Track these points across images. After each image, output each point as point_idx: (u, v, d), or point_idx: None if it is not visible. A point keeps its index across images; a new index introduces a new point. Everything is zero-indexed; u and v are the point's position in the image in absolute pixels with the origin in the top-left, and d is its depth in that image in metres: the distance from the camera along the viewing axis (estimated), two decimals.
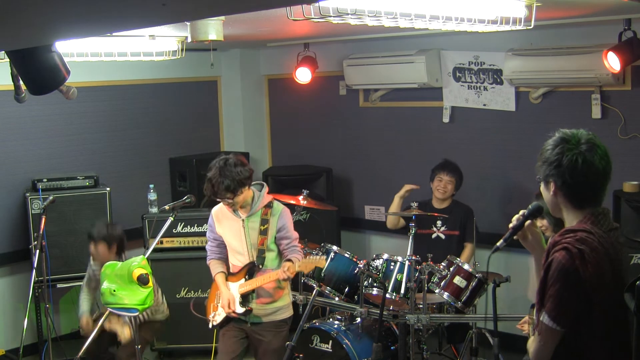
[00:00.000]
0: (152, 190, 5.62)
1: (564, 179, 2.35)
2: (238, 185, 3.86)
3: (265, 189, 4.14)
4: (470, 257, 5.09)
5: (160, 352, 5.62)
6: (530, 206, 2.54)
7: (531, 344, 2.47)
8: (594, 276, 2.27)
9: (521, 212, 2.56)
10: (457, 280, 4.32)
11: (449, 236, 5.24)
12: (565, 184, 2.35)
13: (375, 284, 4.44)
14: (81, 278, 5.42)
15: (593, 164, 2.33)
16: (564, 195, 2.39)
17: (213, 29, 3.54)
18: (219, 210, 4.17)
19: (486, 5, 3.09)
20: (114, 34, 3.93)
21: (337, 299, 4.56)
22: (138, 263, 3.63)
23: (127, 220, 5.69)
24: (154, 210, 5.52)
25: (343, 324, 4.51)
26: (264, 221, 4.01)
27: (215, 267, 4.20)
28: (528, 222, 2.54)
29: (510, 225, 2.56)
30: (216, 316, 4.16)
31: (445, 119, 5.84)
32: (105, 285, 3.61)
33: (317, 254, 4.59)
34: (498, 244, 2.55)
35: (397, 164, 6.22)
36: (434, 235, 5.26)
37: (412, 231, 4.65)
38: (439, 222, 5.25)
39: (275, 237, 4.04)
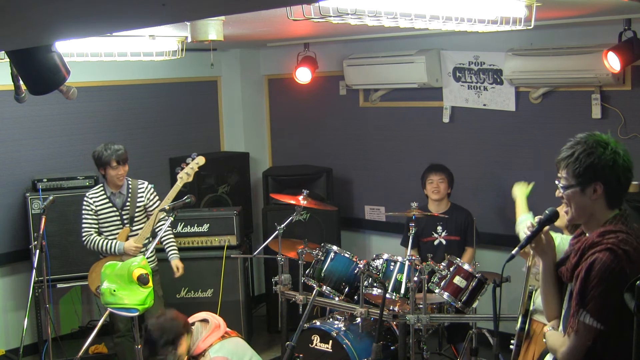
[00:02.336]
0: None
1: (618, 179, 2.39)
2: (167, 344, 3.77)
3: (207, 331, 3.89)
4: (471, 261, 5.08)
5: None
6: (547, 211, 2.54)
7: (556, 342, 2.47)
8: (638, 275, 2.28)
9: (536, 218, 2.57)
10: (457, 280, 4.32)
11: (449, 241, 5.24)
12: (618, 183, 2.39)
13: (375, 284, 4.43)
14: (81, 278, 5.45)
15: (632, 163, 2.43)
16: (606, 197, 2.41)
17: (213, 29, 3.54)
18: None
19: (486, 5, 3.09)
20: (114, 34, 3.93)
21: (337, 299, 4.56)
22: (138, 263, 3.62)
23: None
24: None
25: (343, 324, 4.51)
26: None
27: None
28: (547, 227, 2.55)
29: (525, 230, 2.57)
30: None
31: (445, 119, 5.84)
32: (105, 285, 3.60)
33: (317, 254, 4.61)
34: (514, 252, 2.54)
35: (397, 164, 6.22)
36: (436, 242, 5.25)
37: (412, 231, 4.65)
38: (439, 228, 5.26)
39: None
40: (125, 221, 5.01)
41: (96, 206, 4.97)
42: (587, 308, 2.32)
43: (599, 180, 2.38)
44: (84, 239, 4.97)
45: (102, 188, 5.02)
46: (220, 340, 3.93)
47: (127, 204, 5.02)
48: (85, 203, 4.99)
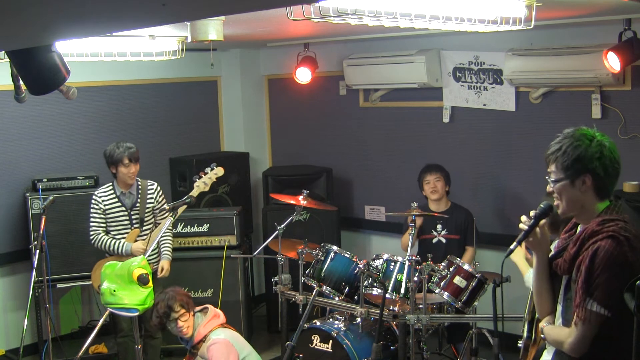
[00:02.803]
0: None
1: (606, 170, 2.43)
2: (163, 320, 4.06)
3: (206, 317, 4.11)
4: (471, 260, 5.08)
5: (160, 351, 5.61)
6: (541, 205, 2.57)
7: (560, 335, 2.49)
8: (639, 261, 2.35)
9: (531, 212, 2.59)
10: (457, 280, 4.32)
11: (449, 240, 5.24)
12: (606, 174, 2.44)
13: (375, 284, 4.43)
14: (81, 278, 5.45)
15: (618, 154, 2.47)
16: (595, 188, 2.45)
17: (213, 29, 3.54)
18: None
19: (486, 5, 3.09)
20: (114, 34, 3.93)
21: (337, 299, 4.56)
22: (138, 263, 3.63)
23: None
24: None
25: (343, 324, 4.51)
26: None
27: None
28: (543, 220, 2.58)
29: (521, 225, 2.59)
30: None
31: (445, 119, 5.84)
32: (105, 285, 3.61)
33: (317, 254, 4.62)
34: (512, 246, 2.58)
35: (397, 164, 6.22)
36: (435, 240, 5.25)
37: (413, 231, 4.65)
38: (439, 226, 5.26)
39: None
40: (135, 222, 4.99)
41: (105, 205, 4.96)
42: (594, 296, 2.36)
43: (587, 172, 2.43)
44: (91, 237, 4.95)
45: (111, 187, 5.01)
46: (220, 327, 4.01)
47: (137, 204, 5.01)
48: (93, 201, 4.97)
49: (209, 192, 6.22)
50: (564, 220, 2.67)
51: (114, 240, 4.92)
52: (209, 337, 4.00)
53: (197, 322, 4.07)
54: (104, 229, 4.97)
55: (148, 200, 5.05)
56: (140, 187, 5.05)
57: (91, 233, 4.96)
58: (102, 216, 4.96)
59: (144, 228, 5.02)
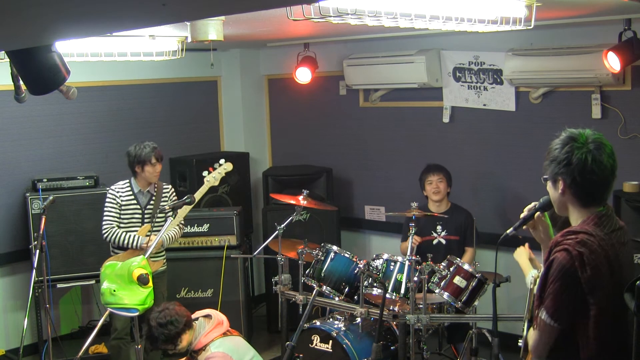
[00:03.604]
0: None
1: (573, 177, 2.38)
2: (167, 341, 3.89)
3: (209, 326, 3.98)
4: (471, 261, 5.08)
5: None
6: (542, 199, 2.59)
7: (531, 337, 2.52)
8: (592, 278, 2.31)
9: (533, 203, 2.63)
10: (457, 280, 4.32)
11: (449, 241, 5.23)
12: (575, 182, 2.38)
13: (375, 284, 4.43)
14: (81, 278, 5.46)
15: (601, 162, 2.36)
16: (572, 194, 2.42)
17: (213, 29, 3.54)
18: None
19: (486, 5, 3.09)
20: (114, 34, 3.93)
21: (337, 299, 4.56)
22: (138, 263, 3.62)
23: None
24: None
25: (343, 324, 4.51)
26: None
27: None
28: (538, 213, 2.60)
29: (522, 215, 2.63)
30: None
31: (445, 119, 5.84)
32: (105, 285, 3.60)
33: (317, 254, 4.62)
34: (508, 231, 2.63)
35: (397, 164, 6.22)
36: (435, 242, 5.25)
37: (412, 230, 4.65)
38: (438, 227, 5.25)
39: None
40: (146, 220, 5.00)
41: (122, 200, 4.95)
42: (544, 305, 2.38)
43: (559, 176, 2.41)
44: (104, 231, 4.91)
45: (128, 184, 5.00)
46: (222, 337, 3.96)
47: (151, 203, 5.01)
48: (110, 196, 4.95)
49: (208, 192, 6.23)
50: (564, 217, 2.68)
51: (129, 234, 4.90)
52: (208, 348, 3.95)
53: (199, 329, 3.96)
54: (118, 223, 4.95)
55: (162, 201, 5.06)
56: (156, 187, 5.06)
57: (105, 226, 4.92)
58: (118, 211, 4.94)
59: (155, 227, 5.01)
